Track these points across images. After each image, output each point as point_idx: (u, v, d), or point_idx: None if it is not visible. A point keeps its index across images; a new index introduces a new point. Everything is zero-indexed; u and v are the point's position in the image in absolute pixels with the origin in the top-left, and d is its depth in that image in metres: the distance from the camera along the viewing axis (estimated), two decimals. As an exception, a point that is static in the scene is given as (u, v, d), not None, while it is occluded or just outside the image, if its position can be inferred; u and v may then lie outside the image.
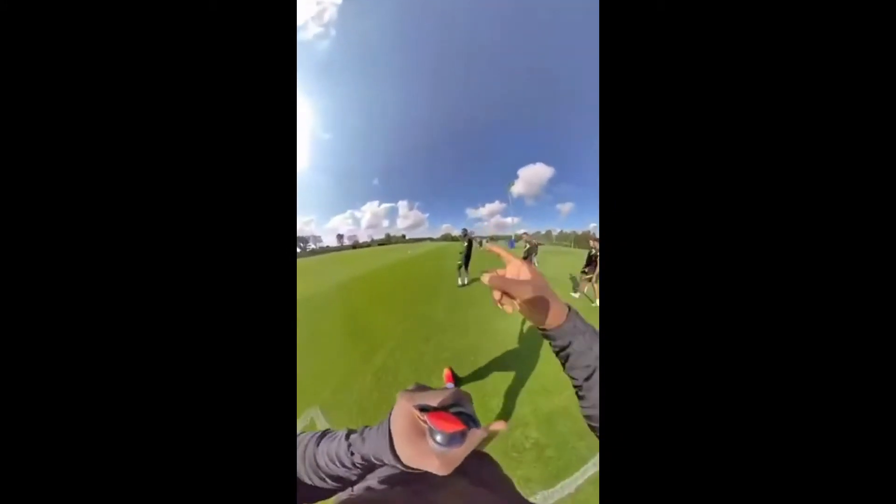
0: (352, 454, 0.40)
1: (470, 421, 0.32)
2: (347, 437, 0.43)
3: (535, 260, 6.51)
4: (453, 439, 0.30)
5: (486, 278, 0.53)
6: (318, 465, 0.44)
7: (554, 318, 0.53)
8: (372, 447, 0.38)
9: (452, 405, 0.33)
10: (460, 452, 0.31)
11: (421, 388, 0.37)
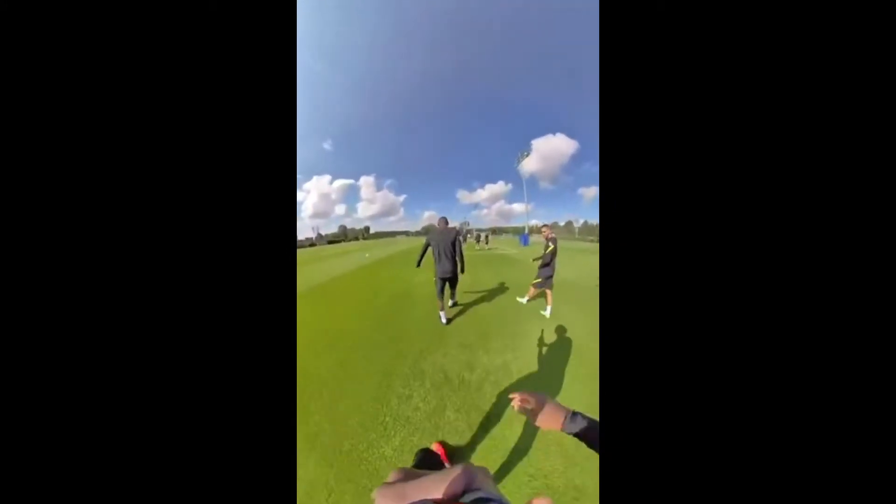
0: None
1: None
2: None
3: (555, 263, 4.18)
4: None
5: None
6: None
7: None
8: None
9: (466, 491, 0.21)
10: None
11: (406, 474, 0.23)
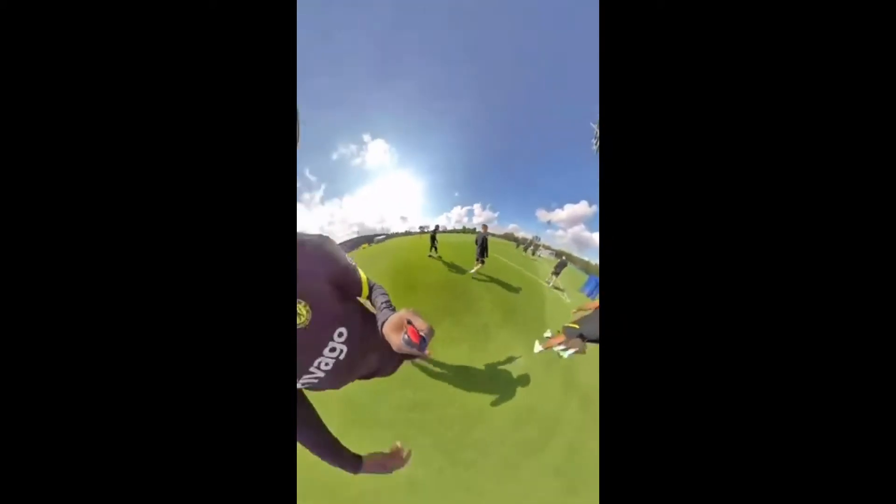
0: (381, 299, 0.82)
1: (423, 344, 0.59)
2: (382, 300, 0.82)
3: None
4: (410, 344, 0.59)
5: None
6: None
7: None
8: (380, 314, 0.76)
9: (421, 331, 0.61)
10: (405, 350, 0.60)
11: (416, 313, 0.64)
